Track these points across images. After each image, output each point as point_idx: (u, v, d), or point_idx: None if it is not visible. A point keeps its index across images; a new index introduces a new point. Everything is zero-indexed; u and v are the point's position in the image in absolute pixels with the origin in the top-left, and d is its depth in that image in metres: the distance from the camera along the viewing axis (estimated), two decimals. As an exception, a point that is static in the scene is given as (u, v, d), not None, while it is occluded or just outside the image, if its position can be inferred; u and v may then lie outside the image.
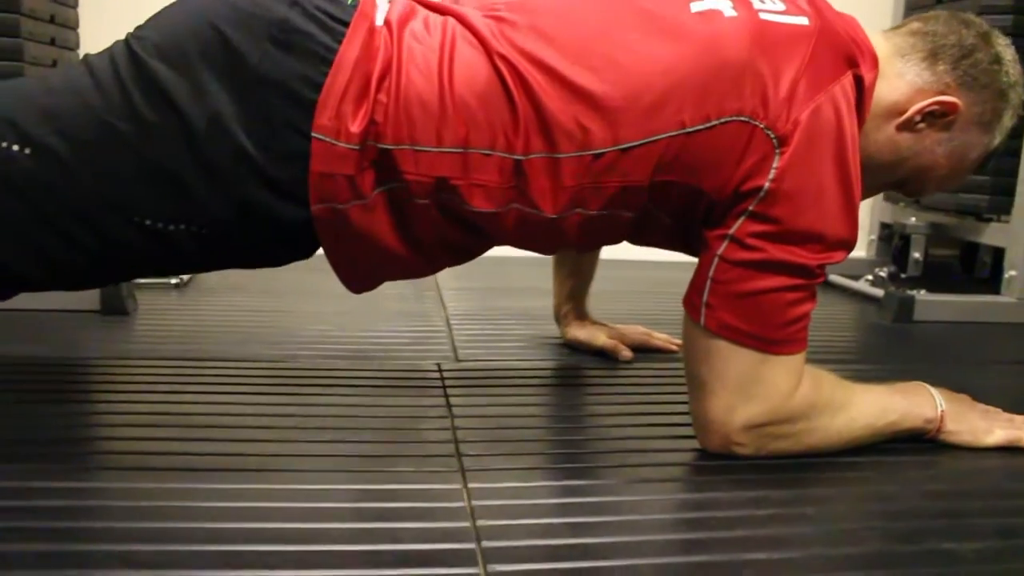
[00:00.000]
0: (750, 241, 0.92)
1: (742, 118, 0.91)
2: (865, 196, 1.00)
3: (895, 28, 1.08)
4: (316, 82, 0.88)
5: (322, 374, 1.26)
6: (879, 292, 1.94)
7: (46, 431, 1.00)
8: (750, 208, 0.92)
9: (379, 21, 0.92)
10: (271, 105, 0.88)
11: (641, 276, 2.11)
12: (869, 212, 2.49)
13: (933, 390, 1.07)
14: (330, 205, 0.91)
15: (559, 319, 1.48)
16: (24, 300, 1.35)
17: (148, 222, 0.90)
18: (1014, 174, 1.93)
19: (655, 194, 0.95)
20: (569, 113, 0.90)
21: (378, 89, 0.89)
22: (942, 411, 1.05)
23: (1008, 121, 1.04)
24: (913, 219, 2.19)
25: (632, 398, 1.22)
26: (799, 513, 0.88)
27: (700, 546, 0.80)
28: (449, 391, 1.20)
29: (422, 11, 0.97)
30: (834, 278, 2.15)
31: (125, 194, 0.89)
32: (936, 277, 2.19)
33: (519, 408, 1.17)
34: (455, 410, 1.12)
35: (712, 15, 0.94)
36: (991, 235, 2.08)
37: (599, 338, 1.42)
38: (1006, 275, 1.95)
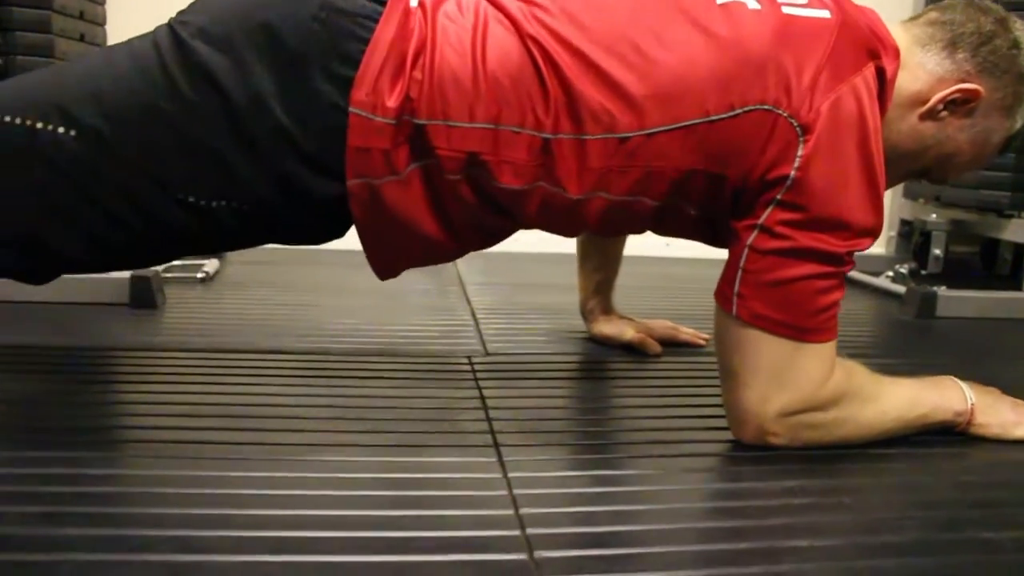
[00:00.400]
0: (779, 229, 0.94)
1: (765, 107, 0.93)
2: (890, 185, 1.02)
3: (914, 18, 1.09)
4: (354, 59, 0.90)
5: (354, 366, 1.27)
6: (900, 288, 1.94)
7: (88, 419, 1.02)
8: (778, 197, 0.94)
9: (413, 2, 0.94)
10: (310, 82, 0.90)
11: (664, 272, 2.12)
12: (889, 209, 2.48)
13: (962, 384, 1.08)
14: (366, 180, 0.93)
15: (585, 314, 1.49)
16: (54, 293, 1.39)
17: (191, 199, 0.92)
18: (1036, 171, 1.94)
19: (679, 184, 0.97)
20: (596, 97, 0.92)
21: (413, 66, 0.91)
22: (972, 404, 1.06)
23: None
24: (934, 216, 2.20)
25: (663, 390, 1.23)
26: (836, 502, 0.89)
27: (740, 534, 0.81)
28: (481, 383, 1.21)
29: None
30: (855, 274, 2.15)
31: (168, 171, 0.92)
32: (956, 274, 2.19)
33: (552, 400, 1.18)
34: (488, 401, 1.13)
35: (736, 8, 0.96)
36: (1012, 231, 2.08)
37: (627, 332, 1.43)
38: (1028, 271, 1.96)
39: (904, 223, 2.43)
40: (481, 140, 0.92)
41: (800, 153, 0.92)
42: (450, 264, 2.05)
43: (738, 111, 0.93)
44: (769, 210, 0.94)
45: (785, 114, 0.92)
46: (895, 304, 1.93)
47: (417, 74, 0.91)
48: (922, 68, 1.03)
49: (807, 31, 0.95)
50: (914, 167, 1.09)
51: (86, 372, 1.21)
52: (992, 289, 1.97)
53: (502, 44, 0.93)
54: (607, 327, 1.46)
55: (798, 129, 0.92)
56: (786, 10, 0.97)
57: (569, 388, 1.26)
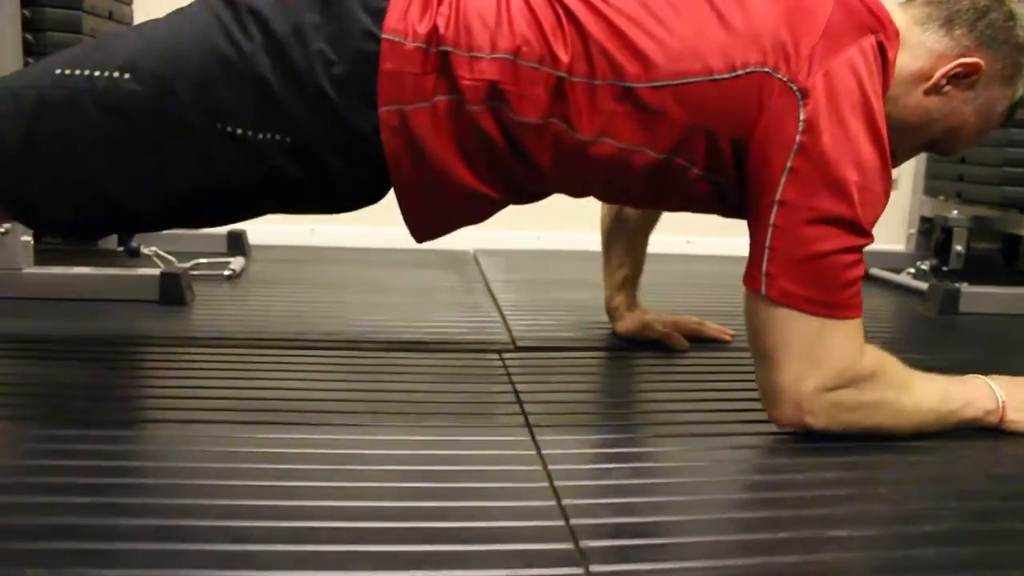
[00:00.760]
0: (796, 200, 0.97)
1: (765, 69, 0.98)
2: (902, 160, 1.08)
3: (909, 1, 1.12)
4: None
5: (386, 361, 1.29)
6: (922, 285, 1.95)
7: (132, 411, 1.04)
8: (788, 165, 0.97)
9: None
10: (347, 13, 0.99)
11: (687, 270, 2.14)
12: (909, 206, 2.49)
13: (991, 382, 1.09)
14: (397, 107, 0.99)
15: (611, 311, 1.50)
16: (85, 290, 1.41)
17: (239, 131, 0.99)
18: (1058, 167, 1.94)
19: (682, 141, 1.01)
20: (609, 49, 0.99)
21: (439, 2, 0.99)
22: (1003, 401, 1.07)
23: None
24: (955, 212, 2.20)
25: (694, 384, 1.24)
26: (873, 493, 0.90)
27: (780, 523, 0.82)
28: (513, 377, 1.22)
29: None
30: (876, 271, 2.16)
31: (217, 101, 0.99)
32: (978, 270, 2.19)
33: (584, 393, 1.20)
34: (522, 395, 1.14)
35: None
36: (1034, 228, 2.08)
37: (654, 328, 1.44)
38: (1050, 267, 1.96)
39: (924, 220, 2.43)
40: (501, 70, 0.99)
41: (802, 117, 0.96)
42: (472, 263, 2.08)
43: (739, 72, 0.98)
44: (783, 182, 0.97)
45: (785, 78, 0.98)
46: (917, 300, 1.93)
47: (444, 9, 0.99)
48: (922, 47, 1.07)
49: (807, 8, 1.01)
50: (923, 140, 1.13)
51: (123, 364, 1.23)
52: (1014, 285, 1.97)
53: None
54: (633, 322, 1.46)
55: (797, 93, 0.97)
56: None
57: (601, 381, 1.27)
